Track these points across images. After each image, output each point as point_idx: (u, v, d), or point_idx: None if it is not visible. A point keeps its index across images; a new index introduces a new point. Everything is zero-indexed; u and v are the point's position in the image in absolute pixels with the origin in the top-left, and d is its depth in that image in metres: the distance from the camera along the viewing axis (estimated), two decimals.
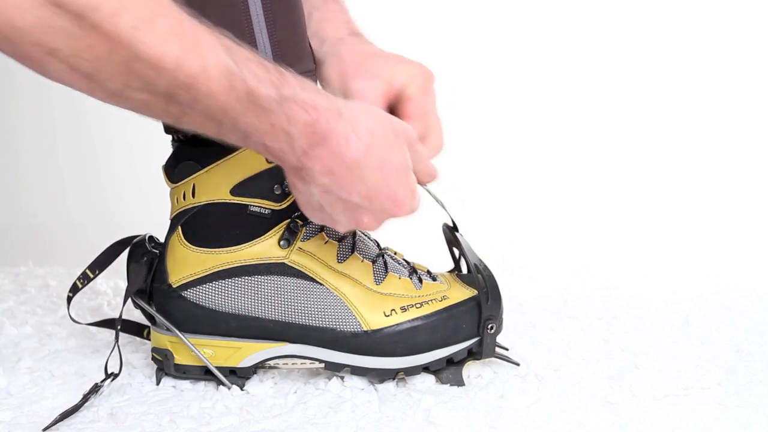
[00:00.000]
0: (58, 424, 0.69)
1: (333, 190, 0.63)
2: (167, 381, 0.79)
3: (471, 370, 0.80)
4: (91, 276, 0.81)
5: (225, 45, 0.59)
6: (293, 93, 0.61)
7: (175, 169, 0.77)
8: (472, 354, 0.77)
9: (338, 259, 0.77)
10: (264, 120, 0.60)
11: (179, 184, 0.77)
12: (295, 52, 0.74)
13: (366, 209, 0.64)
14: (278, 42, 0.73)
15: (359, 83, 0.72)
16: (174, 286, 0.77)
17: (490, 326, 0.76)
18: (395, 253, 0.81)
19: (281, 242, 0.76)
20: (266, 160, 0.74)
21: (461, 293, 0.78)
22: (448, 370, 0.77)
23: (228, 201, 0.75)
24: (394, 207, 0.63)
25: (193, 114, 0.59)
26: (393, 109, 0.74)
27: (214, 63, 0.57)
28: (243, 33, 0.71)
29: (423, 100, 0.73)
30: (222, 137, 0.62)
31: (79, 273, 0.81)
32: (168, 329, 0.77)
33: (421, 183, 0.69)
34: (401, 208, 0.64)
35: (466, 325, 0.76)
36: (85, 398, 0.72)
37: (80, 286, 0.82)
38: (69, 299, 0.83)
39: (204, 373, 0.78)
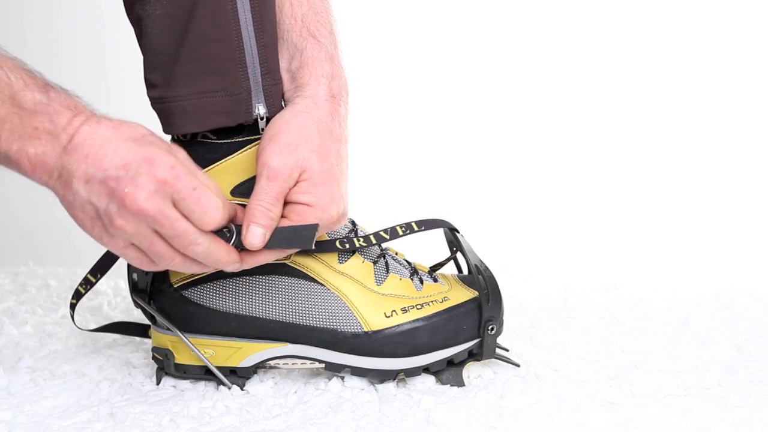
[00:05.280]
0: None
1: (91, 172, 0.65)
2: (167, 381, 0.79)
3: (471, 370, 0.80)
4: (93, 281, 0.80)
5: None
6: (57, 96, 0.66)
7: None
8: (473, 355, 0.77)
9: (339, 260, 0.77)
10: (27, 123, 0.64)
11: None
12: (275, 57, 0.75)
13: (125, 178, 0.65)
14: (264, 46, 0.74)
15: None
16: (175, 286, 0.77)
17: (490, 327, 0.76)
18: (396, 254, 0.81)
19: None
20: None
21: (462, 294, 0.78)
22: (448, 371, 0.77)
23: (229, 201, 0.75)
24: (150, 166, 0.65)
25: None
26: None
27: None
28: (230, 35, 0.72)
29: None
30: None
31: (78, 273, 0.81)
32: (168, 329, 0.77)
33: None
34: (156, 165, 0.65)
35: (467, 327, 0.76)
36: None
37: (83, 291, 0.81)
38: (73, 306, 0.82)
39: (204, 373, 0.78)
